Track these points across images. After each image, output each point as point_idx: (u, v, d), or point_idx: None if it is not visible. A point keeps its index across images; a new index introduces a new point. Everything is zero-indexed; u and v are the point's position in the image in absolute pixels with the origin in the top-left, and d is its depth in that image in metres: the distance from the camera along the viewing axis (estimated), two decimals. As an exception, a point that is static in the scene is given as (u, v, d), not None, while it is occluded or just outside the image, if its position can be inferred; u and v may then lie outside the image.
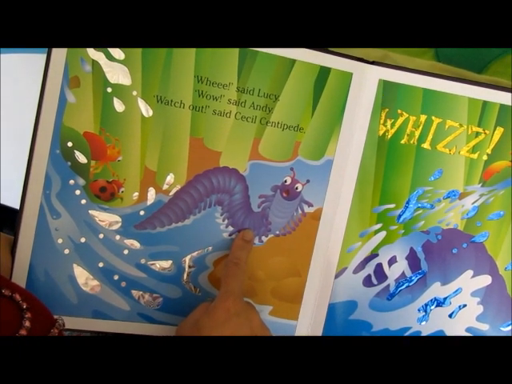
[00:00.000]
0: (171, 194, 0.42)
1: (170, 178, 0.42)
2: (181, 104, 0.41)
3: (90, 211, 0.41)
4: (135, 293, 0.43)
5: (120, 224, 0.42)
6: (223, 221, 0.43)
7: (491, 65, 0.47)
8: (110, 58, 0.40)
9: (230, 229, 0.43)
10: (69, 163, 0.40)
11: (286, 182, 0.43)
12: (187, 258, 0.43)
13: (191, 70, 0.41)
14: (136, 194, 0.41)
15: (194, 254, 0.43)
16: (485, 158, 0.42)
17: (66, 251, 0.41)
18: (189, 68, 0.41)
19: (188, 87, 0.41)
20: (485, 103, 0.41)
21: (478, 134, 0.42)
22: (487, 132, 0.42)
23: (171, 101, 0.41)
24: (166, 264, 0.43)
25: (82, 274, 0.42)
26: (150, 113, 0.41)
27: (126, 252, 0.42)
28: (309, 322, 0.44)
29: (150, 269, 0.42)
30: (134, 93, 0.40)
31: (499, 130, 0.41)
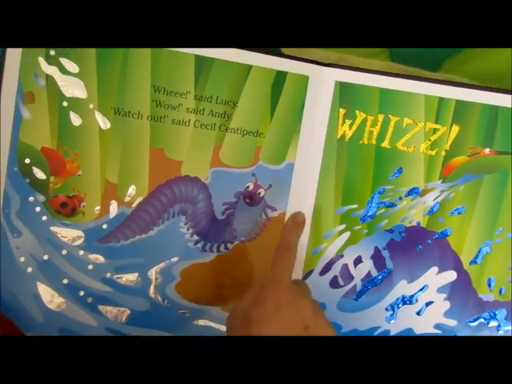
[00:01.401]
0: (134, 205, 0.44)
1: (131, 190, 0.44)
2: (139, 115, 0.43)
3: (51, 228, 0.43)
4: (102, 308, 0.45)
5: (83, 239, 0.44)
6: (188, 230, 0.45)
7: (444, 63, 0.50)
8: (64, 71, 0.42)
9: (195, 238, 0.45)
10: (27, 180, 0.42)
11: (248, 187, 0.45)
12: (153, 270, 0.45)
13: (147, 80, 0.43)
14: (98, 207, 0.43)
15: (160, 265, 0.45)
16: (443, 154, 0.45)
17: (29, 269, 0.43)
18: (145, 78, 0.43)
19: (145, 98, 0.43)
20: (441, 100, 0.44)
21: (435, 130, 0.44)
22: (445, 128, 0.44)
23: (129, 112, 0.43)
24: (132, 277, 0.45)
25: (46, 292, 0.43)
26: (108, 125, 0.43)
27: (90, 267, 0.44)
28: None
29: (116, 283, 0.44)
30: (91, 106, 0.42)
31: (456, 126, 0.44)
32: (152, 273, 0.45)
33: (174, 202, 0.45)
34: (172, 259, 0.45)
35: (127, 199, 0.44)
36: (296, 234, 0.43)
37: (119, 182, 0.44)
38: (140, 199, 0.44)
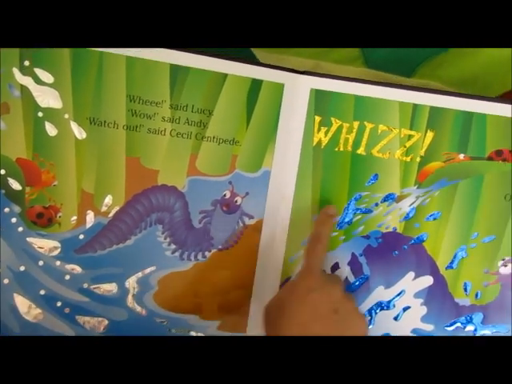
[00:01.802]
0: (110, 215, 0.45)
1: (108, 200, 0.45)
2: (114, 124, 0.44)
3: (27, 238, 0.44)
4: (80, 318, 0.45)
5: (60, 249, 0.44)
6: (165, 239, 0.46)
7: (419, 68, 0.51)
8: (38, 82, 0.43)
9: (173, 246, 0.46)
10: (3, 191, 0.43)
11: (225, 195, 0.46)
12: (131, 279, 0.46)
13: (123, 89, 0.44)
14: (74, 217, 0.44)
15: (138, 274, 0.46)
16: (418, 160, 0.46)
17: (6, 281, 0.43)
18: (120, 88, 0.44)
19: (121, 107, 0.44)
20: (415, 106, 0.45)
21: (410, 136, 0.46)
22: (419, 134, 0.45)
23: (104, 122, 0.44)
24: (109, 287, 0.45)
25: (23, 303, 0.44)
26: (84, 135, 0.44)
27: (67, 277, 0.45)
28: (258, 333, 0.47)
29: (94, 293, 0.45)
30: (66, 116, 0.43)
31: (431, 132, 0.45)
32: (129, 282, 0.46)
33: (150, 211, 0.46)
34: (149, 268, 0.46)
35: (104, 209, 0.45)
36: (327, 225, 0.45)
37: (95, 192, 0.44)
38: (117, 209, 0.45)
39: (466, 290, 0.47)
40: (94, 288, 0.45)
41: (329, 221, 0.45)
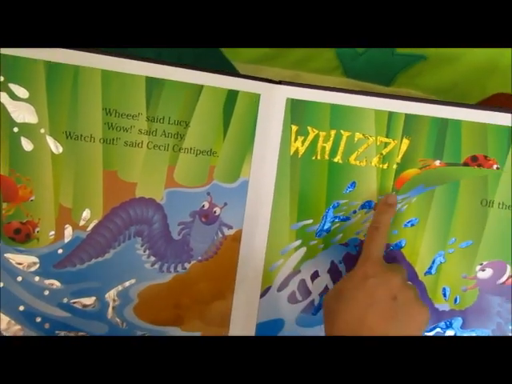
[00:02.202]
0: (89, 229, 0.45)
1: (86, 214, 0.45)
2: (91, 138, 0.45)
3: (5, 255, 0.44)
4: (60, 333, 0.46)
5: (38, 265, 0.45)
6: (144, 251, 0.46)
7: (397, 77, 0.52)
8: (13, 97, 0.43)
9: (152, 259, 0.47)
10: (-21, 208, 0.43)
11: (203, 206, 0.47)
12: (111, 293, 0.46)
13: (99, 103, 0.44)
14: (52, 232, 0.45)
15: (118, 287, 0.46)
16: (395, 167, 0.47)
17: (-16, 298, 0.44)
18: (96, 101, 0.44)
19: (97, 121, 0.44)
20: (390, 114, 0.46)
21: (386, 144, 0.47)
22: (395, 142, 0.46)
23: (81, 135, 0.44)
24: (89, 301, 0.46)
25: (3, 320, 0.45)
26: (60, 149, 0.44)
27: (46, 293, 0.45)
28: (238, 345, 0.48)
29: (74, 307, 0.46)
30: (42, 130, 0.44)
31: (406, 139, 0.46)
32: (109, 296, 0.46)
33: (129, 224, 0.46)
34: (129, 281, 0.47)
35: (82, 223, 0.45)
36: (387, 214, 0.45)
37: (73, 206, 0.45)
38: (95, 222, 0.45)
39: (445, 295, 0.48)
40: (74, 302, 0.46)
41: (389, 210, 0.45)
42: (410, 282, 0.45)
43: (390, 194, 0.47)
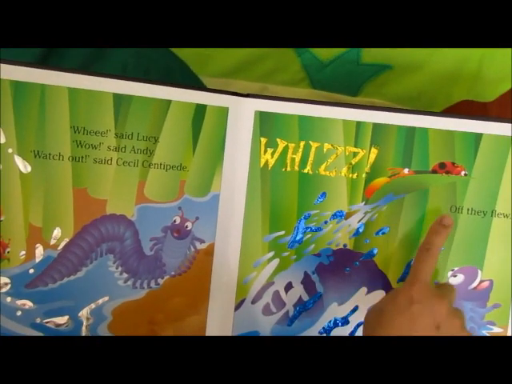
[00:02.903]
0: (60, 248, 0.46)
1: (56, 232, 0.46)
2: (60, 156, 0.46)
3: (-24, 276, 0.45)
4: (33, 353, 0.46)
5: (10, 285, 0.46)
6: (117, 268, 0.48)
7: (364, 87, 0.54)
8: (-20, 118, 0.44)
9: (125, 275, 0.48)
10: None
11: (175, 221, 0.48)
12: (84, 311, 0.47)
13: (66, 121, 0.46)
14: (23, 252, 0.46)
15: (91, 305, 0.47)
16: (364, 176, 0.48)
17: (-45, 320, 0.45)
18: (64, 119, 0.46)
19: (65, 139, 0.46)
20: (358, 124, 0.48)
21: (355, 154, 0.48)
22: (364, 151, 0.48)
23: (49, 154, 0.45)
24: (62, 320, 0.47)
25: (-26, 342, 0.45)
26: (29, 169, 0.45)
27: (19, 313, 0.46)
28: (214, 359, 0.49)
29: (47, 327, 0.47)
30: (10, 150, 0.45)
31: (375, 149, 0.48)
32: (83, 314, 0.47)
33: (101, 241, 0.47)
34: (102, 299, 0.48)
35: (53, 242, 0.46)
36: (441, 236, 0.44)
37: (44, 225, 0.46)
38: (66, 241, 0.47)
39: (418, 301, 0.49)
40: (47, 322, 0.47)
41: (443, 231, 0.44)
42: (457, 308, 0.44)
43: (446, 214, 0.46)
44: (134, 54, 0.56)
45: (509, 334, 0.49)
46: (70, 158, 0.46)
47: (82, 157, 0.46)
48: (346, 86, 0.56)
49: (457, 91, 0.59)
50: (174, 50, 0.56)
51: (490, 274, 0.49)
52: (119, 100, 0.46)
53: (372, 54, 0.56)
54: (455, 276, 0.49)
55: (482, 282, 0.49)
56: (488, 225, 0.48)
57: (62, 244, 0.47)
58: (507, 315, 0.49)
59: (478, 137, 0.48)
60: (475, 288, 0.49)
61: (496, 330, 0.49)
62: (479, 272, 0.49)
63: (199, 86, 0.49)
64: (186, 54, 0.57)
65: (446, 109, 0.58)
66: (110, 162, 0.47)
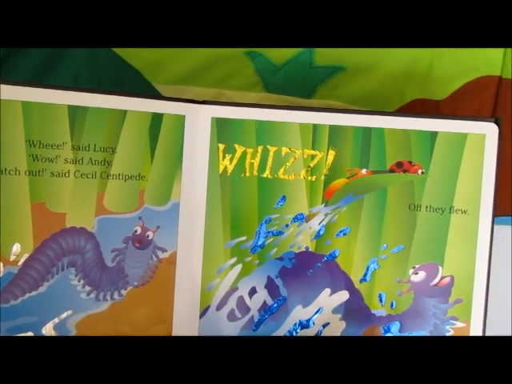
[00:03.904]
0: (20, 263, 0.48)
1: (16, 248, 0.47)
2: (16, 171, 0.47)
3: None
4: (-3, 371, 0.48)
5: (-30, 304, 0.47)
6: (79, 281, 0.49)
7: (317, 89, 0.56)
8: None
9: (87, 288, 0.49)
10: None
11: (136, 231, 0.50)
12: (47, 326, 0.49)
13: (21, 135, 0.47)
14: (-18, 270, 0.47)
15: (55, 320, 0.49)
16: (323, 178, 0.50)
17: None
18: (18, 134, 0.47)
19: (21, 153, 0.47)
20: (315, 126, 0.50)
21: (313, 156, 0.50)
22: (321, 153, 0.50)
23: (5, 169, 0.47)
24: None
25: None
26: (-15, 185, 0.46)
27: (-20, 331, 0.47)
28: (181, 367, 0.51)
29: (10, 344, 0.48)
30: (-35, 167, 0.46)
31: (332, 150, 0.50)
32: (46, 329, 0.49)
33: (61, 255, 0.49)
34: (66, 313, 0.49)
35: (12, 258, 0.48)
36: None
37: (2, 241, 0.47)
38: (26, 256, 0.48)
39: (381, 300, 0.52)
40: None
41: None
42: None
43: None
44: (85, 63, 0.57)
45: (471, 328, 0.51)
46: (27, 173, 0.47)
47: (39, 170, 0.48)
48: (300, 89, 0.58)
49: (409, 90, 0.62)
50: (126, 58, 0.58)
51: (450, 270, 0.51)
52: (74, 112, 0.48)
53: (325, 56, 0.59)
54: (416, 273, 0.51)
55: (443, 278, 0.51)
56: (447, 221, 0.51)
57: (22, 260, 0.48)
58: (469, 310, 0.51)
59: (433, 135, 0.50)
60: (437, 284, 0.51)
61: (459, 325, 0.51)
62: (440, 268, 0.51)
63: (155, 95, 0.51)
64: (138, 62, 0.59)
65: (400, 108, 0.61)
66: (67, 174, 0.48)
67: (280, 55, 0.59)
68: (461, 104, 0.63)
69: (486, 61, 0.63)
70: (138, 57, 0.58)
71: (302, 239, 0.52)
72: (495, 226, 0.51)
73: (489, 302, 0.51)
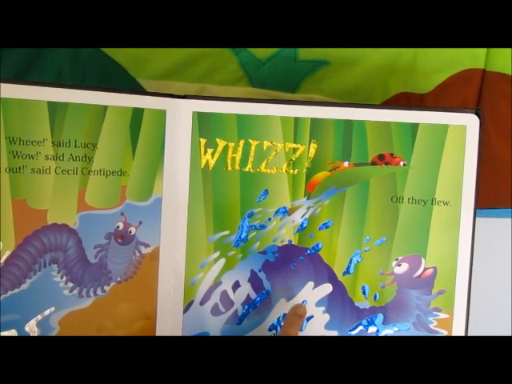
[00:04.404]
0: (2, 261, 0.48)
1: (-3, 246, 0.48)
2: (-4, 168, 0.48)
3: None
4: (-20, 369, 0.48)
5: (-48, 302, 0.47)
6: (61, 278, 0.50)
7: (302, 84, 0.57)
8: None
9: (70, 285, 0.50)
10: None
11: (118, 227, 0.51)
12: (30, 324, 0.49)
13: (1, 132, 0.48)
14: (-36, 268, 0.48)
15: (38, 317, 0.50)
16: (305, 171, 0.51)
17: None
18: (-2, 131, 0.48)
19: (1, 150, 0.48)
20: (296, 120, 0.51)
21: (295, 150, 0.51)
22: (303, 147, 0.51)
23: (-15, 167, 0.47)
24: (8, 334, 0.49)
25: None
26: (-35, 183, 0.47)
27: (-37, 329, 0.48)
28: (165, 363, 0.51)
29: (-8, 341, 0.48)
30: None
31: (314, 144, 0.51)
32: (29, 327, 0.50)
33: (43, 251, 0.49)
34: (49, 310, 0.50)
35: (-6, 255, 0.48)
36: (296, 326, 0.49)
37: (-17, 239, 0.48)
38: (8, 254, 0.49)
39: (364, 293, 0.53)
40: (-7, 337, 0.49)
41: (298, 321, 0.50)
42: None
43: (299, 304, 0.52)
44: (69, 59, 0.58)
45: (454, 319, 0.52)
46: (7, 170, 0.48)
47: (20, 167, 0.48)
48: (284, 84, 0.59)
49: (393, 84, 0.63)
50: (111, 53, 0.59)
51: (433, 262, 0.52)
52: (54, 108, 0.49)
53: (309, 51, 0.60)
54: (399, 265, 0.52)
55: (425, 269, 0.53)
56: (429, 213, 0.52)
57: (4, 257, 0.49)
58: (452, 301, 0.52)
59: (415, 127, 0.52)
60: (420, 276, 0.52)
61: (442, 316, 0.53)
62: (423, 260, 0.52)
63: (135, 90, 0.51)
64: (122, 57, 0.60)
65: (384, 102, 0.62)
66: (48, 171, 0.49)
67: (264, 50, 0.60)
68: (445, 97, 0.64)
69: (470, 54, 0.65)
70: (122, 53, 0.59)
71: (284, 232, 0.53)
72: (496, 219, 0.53)
73: (488, 296, 0.52)
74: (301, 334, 0.53)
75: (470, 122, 0.51)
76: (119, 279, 0.51)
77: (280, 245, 0.52)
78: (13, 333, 0.49)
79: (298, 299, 0.53)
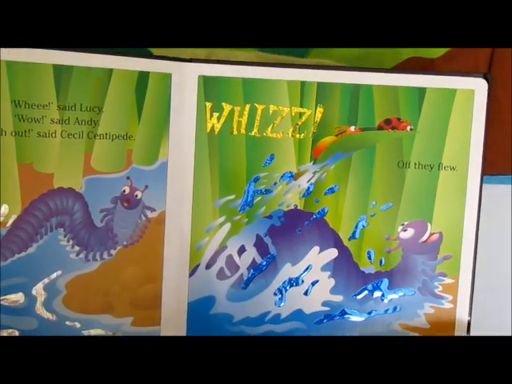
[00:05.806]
0: (8, 225, 0.51)
1: (3, 210, 0.51)
2: (2, 132, 0.50)
3: None
4: (-12, 331, 0.52)
5: (-40, 266, 0.51)
6: (68, 242, 0.53)
7: (311, 48, 0.60)
8: None
9: (77, 249, 0.53)
10: None
11: (124, 191, 0.53)
12: (37, 287, 0.53)
13: (6, 95, 0.50)
14: (-29, 231, 0.51)
15: (44, 280, 0.53)
16: (311, 136, 0.54)
17: None
18: (4, 94, 0.50)
19: (6, 114, 0.50)
20: (303, 84, 0.54)
21: (301, 114, 0.54)
22: (309, 111, 0.54)
23: (-9, 130, 0.50)
24: (16, 297, 0.52)
25: None
26: (-29, 146, 0.50)
27: (-29, 292, 0.51)
28: (172, 325, 0.55)
29: (1, 305, 0.52)
30: (-50, 128, 0.49)
31: (320, 108, 0.54)
32: (36, 290, 0.53)
33: (49, 215, 0.53)
34: (55, 273, 0.53)
35: (1, 219, 0.51)
36: None
37: (-10, 203, 0.51)
38: (14, 217, 0.52)
39: (370, 258, 0.56)
40: (1, 300, 0.52)
41: None
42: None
43: None
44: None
45: (460, 284, 0.56)
46: (13, 133, 0.51)
47: (25, 131, 0.51)
48: (294, 48, 0.61)
49: (405, 48, 0.65)
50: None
51: (439, 227, 0.55)
52: (59, 71, 0.51)
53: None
54: (405, 230, 0.55)
55: (431, 234, 0.55)
56: (435, 178, 0.55)
57: (11, 221, 0.52)
58: (457, 265, 0.55)
59: (422, 91, 0.54)
60: (425, 241, 0.55)
61: (447, 281, 0.56)
62: (428, 225, 0.55)
63: (140, 54, 0.54)
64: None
65: (394, 66, 0.64)
66: (54, 135, 0.52)
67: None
68: (456, 61, 0.66)
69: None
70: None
71: (290, 197, 0.55)
72: (495, 186, 0.55)
73: (493, 263, 0.55)
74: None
75: (478, 87, 0.54)
76: (125, 243, 0.54)
77: (286, 209, 0.55)
78: (20, 296, 0.52)
79: (303, 264, 0.55)
